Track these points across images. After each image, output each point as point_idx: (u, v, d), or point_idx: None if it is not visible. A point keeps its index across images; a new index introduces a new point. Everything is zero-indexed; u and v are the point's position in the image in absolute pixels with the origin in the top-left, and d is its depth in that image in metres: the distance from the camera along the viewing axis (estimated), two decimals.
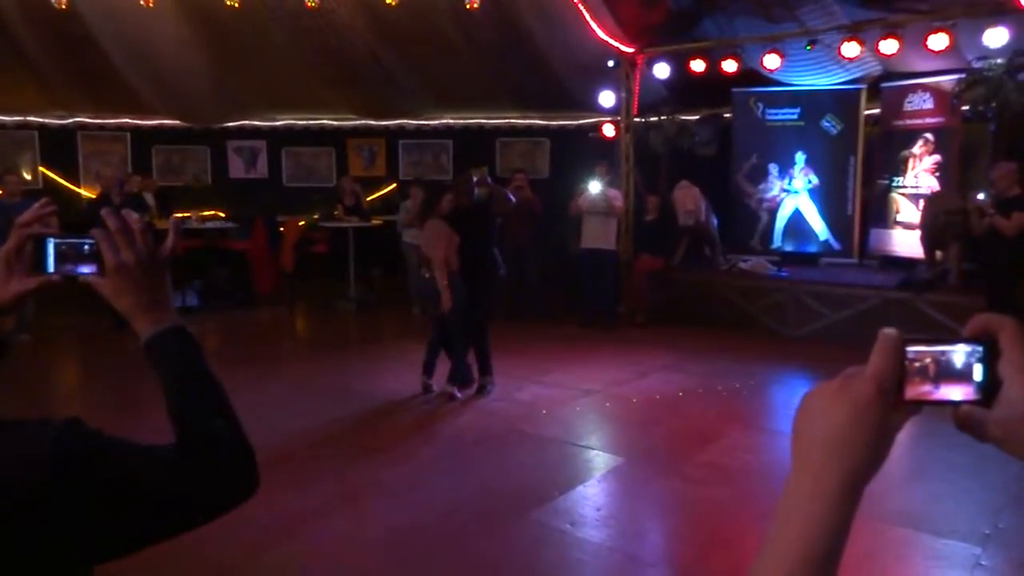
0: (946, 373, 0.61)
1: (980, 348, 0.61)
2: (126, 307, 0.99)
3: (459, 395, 6.00)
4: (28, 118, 11.10)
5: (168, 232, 1.04)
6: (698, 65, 8.73)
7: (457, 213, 5.97)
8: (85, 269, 1.00)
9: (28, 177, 11.03)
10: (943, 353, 0.61)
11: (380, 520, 3.99)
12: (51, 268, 1.00)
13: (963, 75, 8.11)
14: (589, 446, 5.14)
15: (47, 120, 11.23)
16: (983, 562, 3.46)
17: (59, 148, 11.31)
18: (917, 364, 0.61)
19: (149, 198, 9.63)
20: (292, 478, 4.31)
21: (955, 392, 0.61)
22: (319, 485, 4.42)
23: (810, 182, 9.82)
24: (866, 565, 3.40)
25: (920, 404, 0.62)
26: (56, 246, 1.00)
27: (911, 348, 0.61)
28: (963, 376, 0.61)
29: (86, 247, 1.00)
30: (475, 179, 6.33)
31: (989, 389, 0.60)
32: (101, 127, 11.52)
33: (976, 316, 0.62)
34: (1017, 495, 4.12)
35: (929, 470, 4.48)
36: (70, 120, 11.32)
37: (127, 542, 0.88)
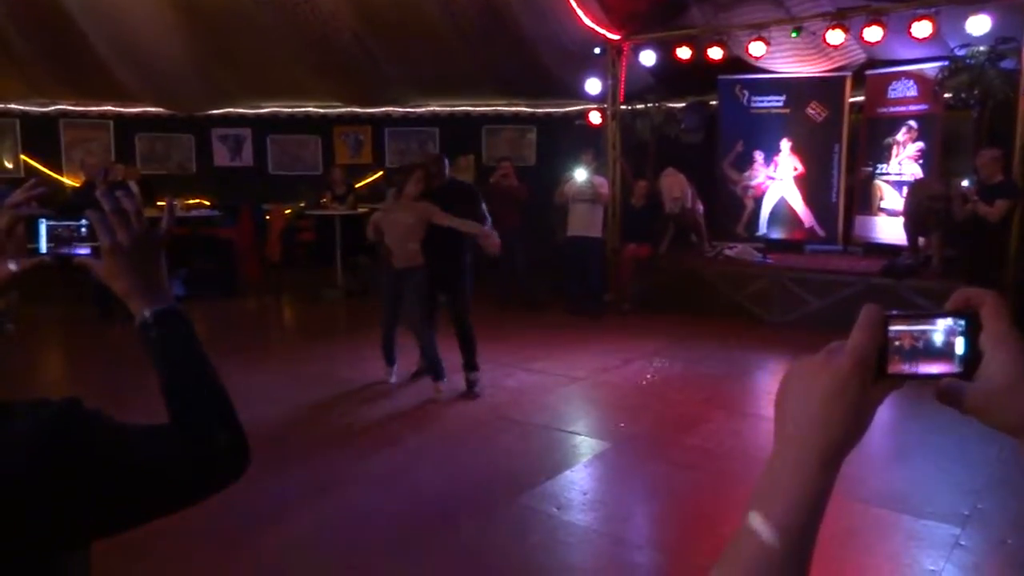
0: (928, 347, 0.61)
1: (962, 322, 0.61)
2: (122, 289, 0.99)
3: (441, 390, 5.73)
4: (9, 105, 10.96)
5: (163, 215, 1.05)
6: (684, 52, 8.73)
7: (429, 195, 5.61)
8: (80, 251, 1.00)
9: (9, 166, 10.91)
10: (925, 328, 0.61)
11: (366, 506, 4.01)
12: (44, 249, 1.00)
13: (946, 63, 8.18)
14: (576, 432, 5.17)
15: (28, 107, 11.09)
16: (963, 542, 3.52)
17: (41, 136, 11.16)
18: (899, 339, 0.61)
19: (133, 186, 9.55)
20: (278, 464, 4.31)
21: (937, 366, 0.61)
22: (304, 471, 4.43)
23: (795, 169, 9.87)
24: (847, 544, 3.45)
25: (902, 378, 0.62)
26: (50, 228, 1.00)
27: (894, 323, 0.61)
28: (945, 350, 0.61)
29: (82, 229, 1.00)
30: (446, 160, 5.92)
31: (970, 362, 0.60)
32: (83, 115, 11.38)
33: (959, 290, 0.63)
34: (997, 477, 4.19)
35: (910, 451, 4.56)
36: (52, 107, 11.17)
37: (122, 520, 0.90)
